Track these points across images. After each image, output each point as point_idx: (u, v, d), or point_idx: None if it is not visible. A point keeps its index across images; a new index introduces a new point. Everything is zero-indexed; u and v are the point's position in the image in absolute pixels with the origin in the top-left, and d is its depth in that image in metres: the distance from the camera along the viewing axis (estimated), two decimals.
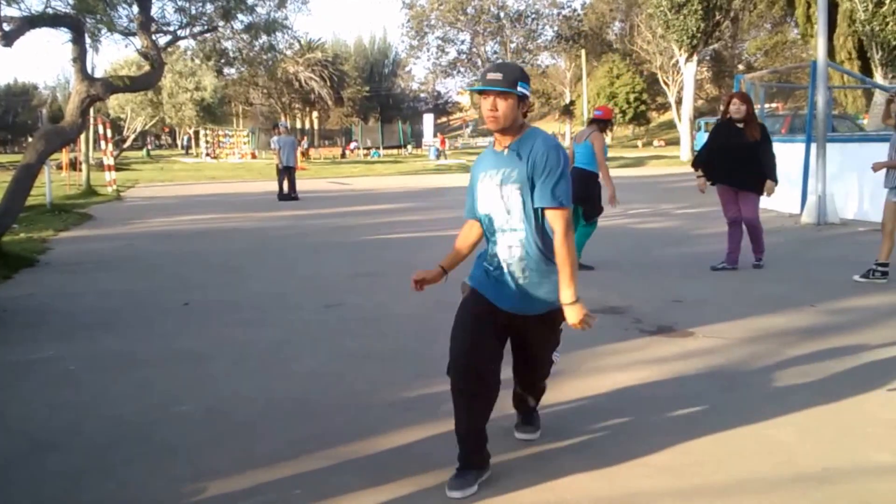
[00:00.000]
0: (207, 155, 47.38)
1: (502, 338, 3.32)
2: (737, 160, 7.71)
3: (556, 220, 3.08)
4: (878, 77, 23.35)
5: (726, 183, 7.95)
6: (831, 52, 25.91)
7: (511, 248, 3.18)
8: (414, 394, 4.37)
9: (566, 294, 3.05)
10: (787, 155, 12.51)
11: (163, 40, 12.49)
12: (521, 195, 3.10)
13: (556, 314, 3.22)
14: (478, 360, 3.13)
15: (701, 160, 8.12)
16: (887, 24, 22.52)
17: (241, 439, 3.76)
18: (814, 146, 11.94)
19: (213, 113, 47.33)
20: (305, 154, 50.58)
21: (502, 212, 3.17)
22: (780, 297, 6.67)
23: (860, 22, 23.26)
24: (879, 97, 23.21)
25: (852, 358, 4.86)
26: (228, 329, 6.01)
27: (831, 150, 11.87)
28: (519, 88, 3.06)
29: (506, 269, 3.20)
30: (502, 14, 59.90)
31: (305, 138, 55.54)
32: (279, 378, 4.75)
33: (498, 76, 3.05)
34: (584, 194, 7.90)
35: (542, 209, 3.09)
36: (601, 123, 8.27)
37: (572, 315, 3.07)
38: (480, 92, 3.09)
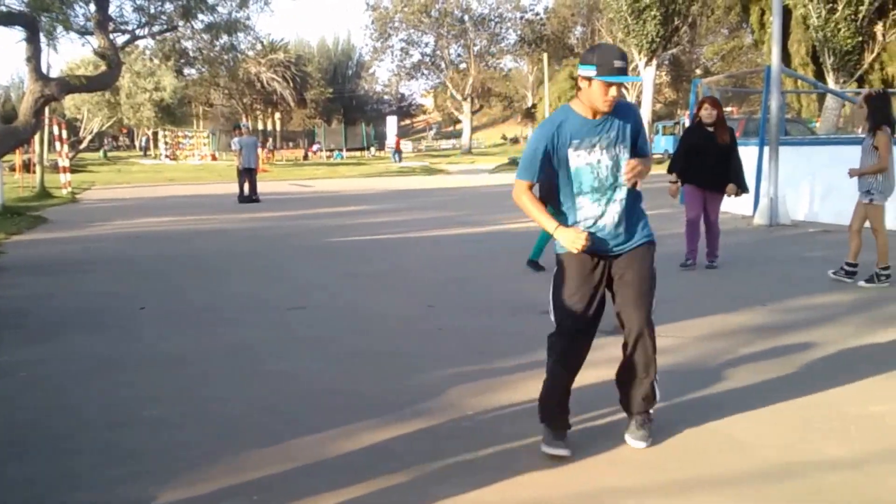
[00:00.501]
0: (167, 156, 46.81)
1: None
2: (707, 162, 7.92)
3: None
4: (831, 82, 23.89)
5: (696, 183, 8.14)
6: (786, 58, 26.47)
7: (613, 202, 3.44)
8: (384, 394, 4.37)
9: None
10: (742, 158, 12.74)
11: (121, 39, 12.34)
12: (625, 153, 3.44)
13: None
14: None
15: (677, 164, 8.30)
16: (839, 30, 23.06)
17: (213, 442, 3.74)
18: (767, 149, 12.18)
19: (172, 114, 46.67)
20: (271, 155, 50.33)
21: (610, 173, 3.43)
22: (735, 297, 6.81)
23: (813, 28, 23.77)
24: (831, 101, 23.77)
25: (805, 354, 4.99)
26: (196, 331, 5.98)
27: (784, 153, 12.13)
28: None
29: (611, 224, 3.46)
30: (466, 17, 60.03)
31: (270, 139, 55.14)
32: (252, 380, 4.73)
33: (623, 64, 3.26)
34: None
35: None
36: None
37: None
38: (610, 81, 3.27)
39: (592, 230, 3.42)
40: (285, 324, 6.18)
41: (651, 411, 3.64)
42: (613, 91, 3.26)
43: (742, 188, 8.20)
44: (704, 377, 4.56)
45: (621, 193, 3.43)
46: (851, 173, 7.28)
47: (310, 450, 3.60)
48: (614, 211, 3.43)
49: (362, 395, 4.38)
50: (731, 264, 8.36)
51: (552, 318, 3.58)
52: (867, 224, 7.26)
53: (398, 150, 47.90)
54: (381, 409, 4.11)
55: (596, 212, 3.43)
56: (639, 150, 3.47)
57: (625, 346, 3.60)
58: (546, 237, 8.28)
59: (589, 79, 3.28)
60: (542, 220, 3.49)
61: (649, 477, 3.28)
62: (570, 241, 3.36)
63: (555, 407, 3.54)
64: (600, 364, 4.78)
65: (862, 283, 7.21)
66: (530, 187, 3.54)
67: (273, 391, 4.50)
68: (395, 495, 3.15)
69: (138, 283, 8.15)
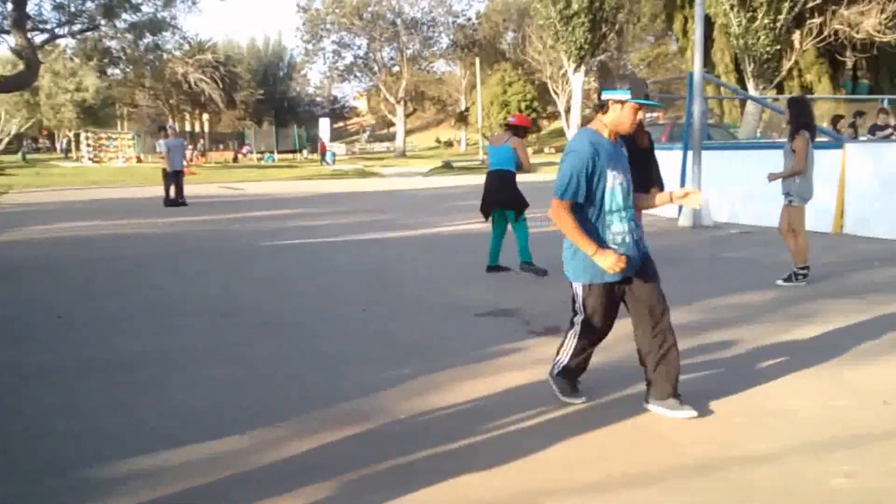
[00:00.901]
0: (89, 159, 45.43)
1: None
2: (631, 166, 8.07)
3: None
4: (751, 88, 24.67)
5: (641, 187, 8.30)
6: (709, 65, 27.26)
7: (632, 220, 3.88)
8: (318, 400, 4.34)
9: None
10: (667, 162, 13.06)
11: (39, 38, 11.98)
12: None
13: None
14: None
15: None
16: (759, 38, 23.82)
17: (135, 452, 3.65)
18: (690, 153, 12.53)
19: (95, 115, 45.42)
20: (203, 156, 49.33)
21: (628, 193, 3.87)
22: None
23: (734, 36, 24.51)
24: (751, 107, 24.55)
25: (727, 352, 5.16)
26: (117, 339, 5.83)
27: (706, 157, 12.48)
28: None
29: (631, 240, 3.87)
30: (398, 20, 59.91)
31: (202, 140, 53.98)
32: (175, 389, 4.63)
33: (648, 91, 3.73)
34: (511, 195, 8.22)
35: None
36: (516, 129, 8.49)
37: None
38: (641, 105, 3.72)
39: (622, 248, 3.80)
40: (211, 330, 6.08)
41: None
42: (640, 114, 3.74)
43: (661, 188, 8.42)
44: (630, 375, 4.63)
45: (631, 213, 3.87)
46: (770, 177, 7.52)
47: (237, 459, 3.54)
48: (632, 228, 3.86)
49: (293, 401, 4.34)
50: (657, 265, 8.53)
51: (578, 329, 4.05)
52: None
53: (324, 153, 47.68)
54: (312, 415, 4.09)
55: (623, 229, 3.82)
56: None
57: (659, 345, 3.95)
58: (499, 242, 8.36)
59: (622, 102, 3.67)
60: (583, 241, 3.75)
61: (578, 474, 3.34)
62: (610, 263, 3.68)
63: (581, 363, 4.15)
64: (527, 365, 4.89)
65: (779, 282, 7.47)
66: (572, 207, 3.78)
67: (198, 399, 4.43)
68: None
69: (55, 290, 7.92)
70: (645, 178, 8.23)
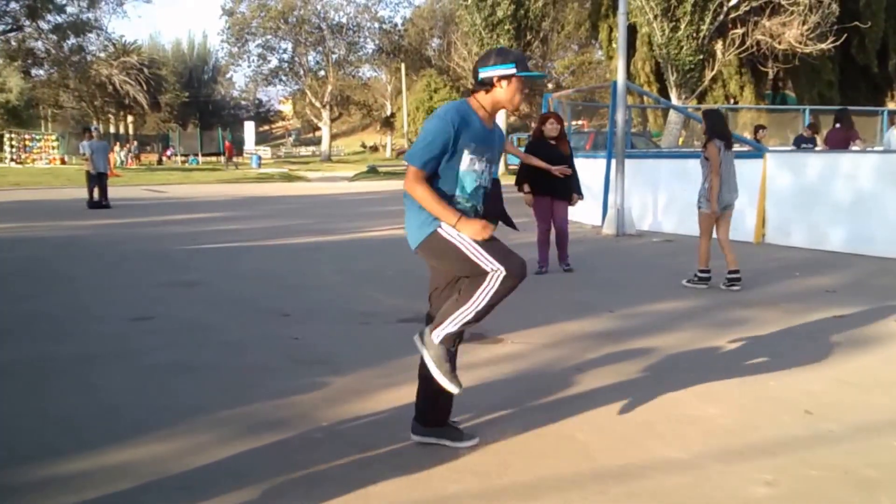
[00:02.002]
0: (12, 160, 43.92)
1: None
2: (553, 174, 8.18)
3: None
4: (674, 98, 25.21)
5: (544, 194, 8.43)
6: (633, 74, 27.82)
7: (477, 207, 3.49)
8: (226, 407, 4.21)
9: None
10: (591, 170, 13.24)
11: None
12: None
13: None
14: None
15: (525, 177, 8.52)
16: (682, 47, 24.36)
17: (37, 460, 3.49)
18: (614, 161, 12.68)
19: (18, 116, 44.11)
20: (137, 158, 48.45)
21: (486, 182, 3.47)
22: (582, 303, 7.01)
23: (657, 45, 25.01)
24: (674, 116, 25.10)
25: (646, 359, 5.18)
26: (26, 344, 5.60)
27: (629, 165, 12.65)
28: None
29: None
30: (324, 25, 59.59)
31: (135, 143, 53.12)
32: (81, 395, 4.44)
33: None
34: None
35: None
36: None
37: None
38: (524, 78, 3.36)
39: None
40: (122, 336, 5.85)
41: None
42: (523, 92, 3.39)
43: (580, 194, 8.74)
44: (549, 382, 4.65)
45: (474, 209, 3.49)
46: (708, 195, 7.61)
47: (151, 466, 3.43)
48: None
49: (208, 408, 4.19)
50: (580, 272, 8.62)
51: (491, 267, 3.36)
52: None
53: (231, 156, 47.28)
54: (227, 423, 3.97)
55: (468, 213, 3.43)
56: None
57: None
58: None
59: (508, 77, 3.31)
60: (442, 211, 3.33)
61: (494, 481, 3.30)
62: (475, 232, 3.29)
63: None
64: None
65: (684, 283, 7.83)
66: (426, 176, 3.36)
67: (105, 405, 4.25)
68: None
69: None
70: (566, 186, 8.44)
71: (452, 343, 3.50)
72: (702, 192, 7.64)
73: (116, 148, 48.27)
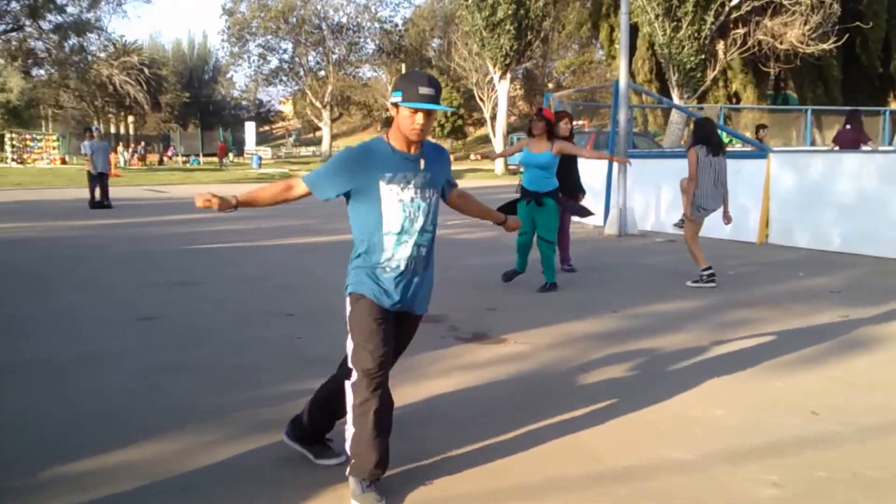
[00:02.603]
0: (13, 160, 44.01)
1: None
2: (560, 174, 8.18)
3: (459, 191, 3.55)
4: (676, 97, 25.19)
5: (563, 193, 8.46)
6: (634, 74, 27.78)
7: (420, 247, 3.18)
8: (227, 407, 4.19)
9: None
10: (593, 170, 13.20)
11: None
12: (436, 196, 3.24)
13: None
14: (387, 369, 3.16)
15: None
16: (683, 47, 24.34)
17: (39, 459, 3.48)
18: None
19: (19, 116, 44.20)
20: (143, 159, 48.59)
21: (421, 214, 3.15)
22: (585, 304, 6.99)
23: (659, 45, 24.99)
24: (675, 116, 25.07)
25: (650, 359, 5.17)
26: (31, 343, 5.59)
27: (632, 165, 12.62)
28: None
29: (410, 268, 3.17)
30: (324, 25, 59.62)
31: (143, 142, 53.34)
32: (86, 394, 4.43)
33: (432, 92, 3.04)
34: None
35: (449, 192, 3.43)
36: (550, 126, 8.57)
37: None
38: (416, 108, 3.03)
39: (393, 274, 3.15)
40: (124, 337, 5.82)
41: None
42: (420, 118, 3.03)
43: (582, 192, 8.95)
44: (553, 383, 4.64)
45: (424, 239, 3.20)
46: (687, 215, 7.86)
47: (150, 467, 3.41)
48: (419, 255, 3.18)
49: (211, 408, 4.17)
50: (583, 273, 8.60)
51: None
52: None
53: (223, 156, 47.59)
54: (229, 423, 3.95)
55: (404, 253, 3.14)
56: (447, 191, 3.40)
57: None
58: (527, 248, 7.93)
59: (396, 105, 3.07)
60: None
61: (498, 482, 3.28)
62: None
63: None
64: (453, 372, 4.81)
65: (689, 283, 7.85)
66: (308, 194, 3.24)
67: (106, 406, 4.23)
68: None
69: None
70: (571, 183, 8.48)
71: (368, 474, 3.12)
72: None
73: (120, 148, 48.42)
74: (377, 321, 3.09)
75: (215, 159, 54.87)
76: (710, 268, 7.77)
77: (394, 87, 3.10)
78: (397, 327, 3.24)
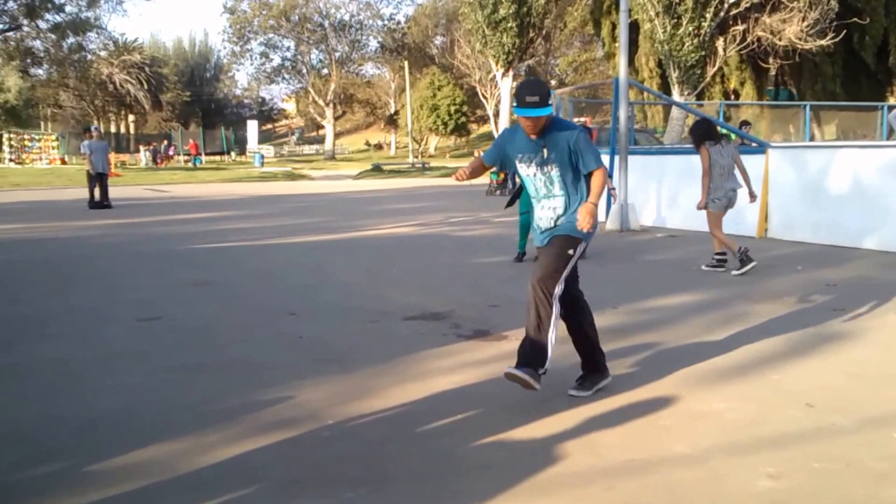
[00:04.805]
0: (11, 160, 44.02)
1: None
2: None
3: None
4: (676, 94, 25.22)
5: None
6: (634, 71, 27.81)
7: (555, 209, 4.28)
8: (236, 406, 4.24)
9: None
10: None
11: None
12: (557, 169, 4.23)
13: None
14: None
15: None
16: (683, 44, 24.37)
17: (55, 458, 3.53)
18: (617, 158, 12.71)
19: (18, 116, 44.14)
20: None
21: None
22: (587, 299, 7.01)
23: (659, 42, 25.02)
24: (676, 112, 25.10)
25: (651, 354, 5.22)
26: (40, 345, 5.62)
27: (633, 161, 12.69)
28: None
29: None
30: (326, 23, 59.60)
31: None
32: (98, 395, 4.47)
33: (536, 99, 3.98)
34: None
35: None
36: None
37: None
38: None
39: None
40: (131, 337, 5.88)
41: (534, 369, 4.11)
42: (529, 123, 4.04)
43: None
44: (554, 378, 4.67)
45: (553, 202, 4.25)
46: (699, 206, 8.28)
47: (162, 465, 3.45)
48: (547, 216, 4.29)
49: (218, 407, 4.22)
50: (584, 268, 8.62)
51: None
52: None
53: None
54: (238, 422, 3.99)
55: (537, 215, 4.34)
56: (582, 168, 4.18)
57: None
58: (527, 228, 8.71)
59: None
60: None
61: (503, 479, 3.31)
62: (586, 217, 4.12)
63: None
64: (456, 369, 4.87)
65: (703, 267, 8.39)
66: (482, 164, 4.51)
67: (113, 406, 4.27)
68: None
69: None
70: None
71: None
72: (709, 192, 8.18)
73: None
74: None
75: (218, 158, 55.01)
76: (723, 254, 8.35)
77: (513, 96, 4.27)
78: None
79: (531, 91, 4.00)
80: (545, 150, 4.13)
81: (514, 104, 4.02)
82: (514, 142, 4.26)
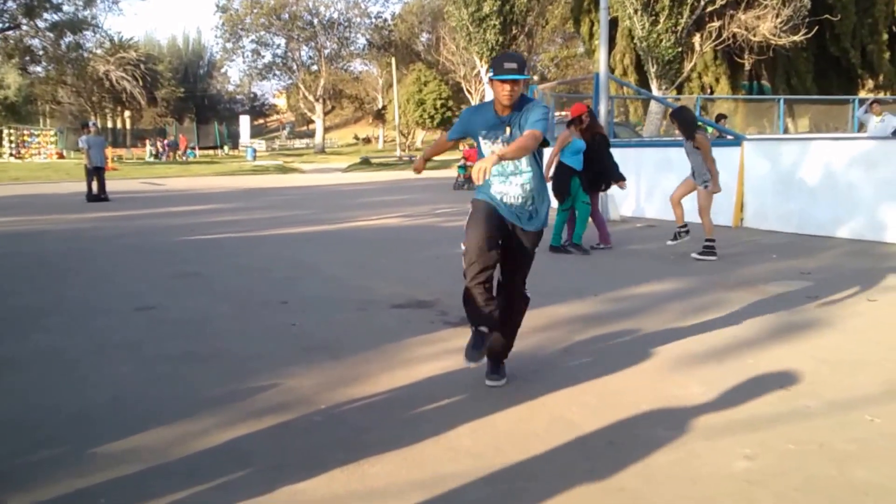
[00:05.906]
0: (11, 155, 43.68)
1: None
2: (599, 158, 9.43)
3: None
4: (654, 88, 25.41)
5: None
6: (613, 67, 27.96)
7: (523, 185, 4.21)
8: (228, 393, 4.30)
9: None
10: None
11: None
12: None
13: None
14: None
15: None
16: (661, 40, 24.57)
17: (51, 444, 3.60)
18: None
19: (17, 112, 43.93)
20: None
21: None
22: (566, 288, 7.13)
23: (638, 38, 25.21)
24: (654, 107, 25.31)
25: (630, 341, 5.33)
26: (36, 336, 5.66)
27: (613, 154, 12.76)
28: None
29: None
30: (315, 21, 59.75)
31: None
32: (92, 385, 4.52)
33: (514, 66, 3.99)
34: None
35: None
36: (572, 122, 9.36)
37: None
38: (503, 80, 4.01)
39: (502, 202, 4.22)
40: (125, 327, 5.93)
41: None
42: (507, 87, 4.00)
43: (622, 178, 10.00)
44: (538, 365, 4.76)
45: (522, 178, 4.20)
46: (712, 190, 8.45)
47: (155, 451, 3.51)
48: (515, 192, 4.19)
49: (212, 395, 4.29)
50: (566, 258, 8.80)
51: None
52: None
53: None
54: (230, 408, 4.05)
55: (501, 189, 4.21)
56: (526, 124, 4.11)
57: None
58: (563, 223, 9.27)
59: (491, 80, 4.06)
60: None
61: (488, 461, 3.39)
62: (476, 168, 3.76)
63: None
64: (443, 355, 4.95)
65: (694, 255, 8.57)
66: (446, 142, 4.75)
67: (108, 394, 4.33)
68: (241, 492, 3.12)
69: None
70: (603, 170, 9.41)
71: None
72: (703, 174, 8.33)
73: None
74: None
75: (211, 152, 55.22)
76: (712, 239, 8.54)
77: (489, 67, 4.22)
78: None
79: (510, 59, 4.05)
80: (508, 129, 4.14)
81: (492, 73, 4.03)
82: (479, 119, 4.27)
